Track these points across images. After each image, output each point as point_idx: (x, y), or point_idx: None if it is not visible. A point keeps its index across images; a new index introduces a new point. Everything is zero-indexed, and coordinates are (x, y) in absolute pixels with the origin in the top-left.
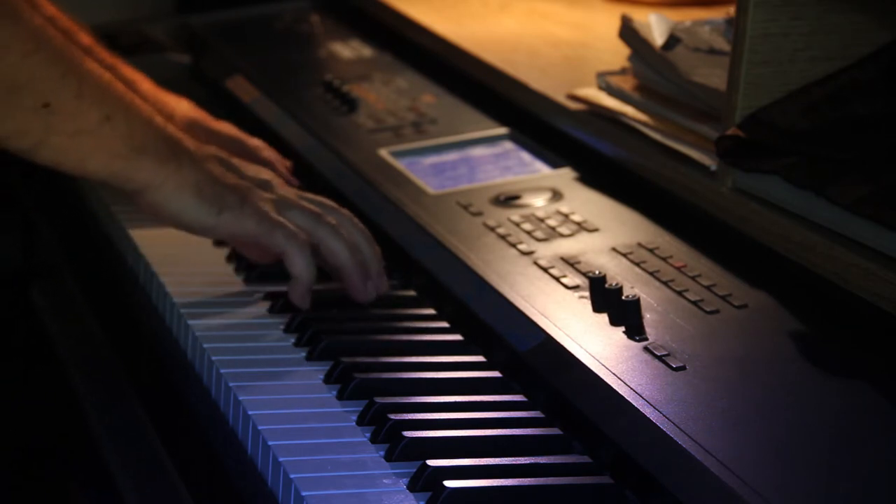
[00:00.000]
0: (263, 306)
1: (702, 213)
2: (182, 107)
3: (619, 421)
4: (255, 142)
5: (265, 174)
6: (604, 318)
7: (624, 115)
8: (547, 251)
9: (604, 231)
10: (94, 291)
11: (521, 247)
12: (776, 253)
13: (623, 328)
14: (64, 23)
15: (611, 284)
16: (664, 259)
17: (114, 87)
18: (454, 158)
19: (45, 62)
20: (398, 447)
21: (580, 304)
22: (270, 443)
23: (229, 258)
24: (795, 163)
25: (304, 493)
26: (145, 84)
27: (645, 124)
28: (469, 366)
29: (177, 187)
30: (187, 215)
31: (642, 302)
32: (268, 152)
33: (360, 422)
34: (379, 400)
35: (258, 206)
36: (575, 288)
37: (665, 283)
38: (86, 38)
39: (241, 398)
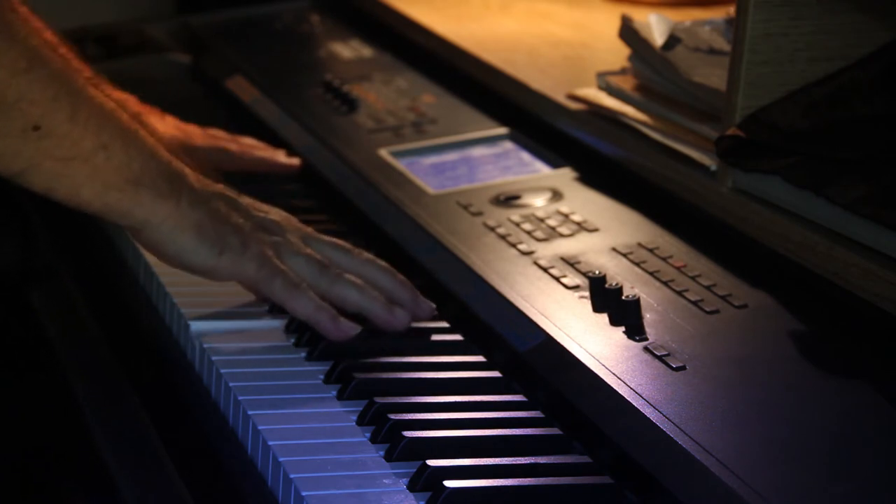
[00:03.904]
0: (264, 307)
1: (702, 213)
2: (167, 126)
3: (619, 421)
4: (247, 140)
5: (274, 215)
6: (604, 318)
7: (624, 115)
8: (547, 251)
9: (604, 231)
10: (93, 292)
11: (521, 247)
12: (776, 253)
13: (623, 328)
14: (47, 36)
15: (611, 284)
16: (664, 259)
17: (115, 115)
18: (454, 158)
19: (36, 82)
20: (398, 447)
21: (580, 304)
22: (270, 443)
23: None
24: (795, 163)
25: (304, 493)
26: (129, 105)
27: (645, 124)
28: (469, 366)
29: (176, 226)
30: (186, 256)
31: (642, 302)
32: (260, 152)
33: (360, 422)
34: (379, 400)
35: (260, 249)
36: (575, 288)
37: (665, 283)
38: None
39: (240, 398)
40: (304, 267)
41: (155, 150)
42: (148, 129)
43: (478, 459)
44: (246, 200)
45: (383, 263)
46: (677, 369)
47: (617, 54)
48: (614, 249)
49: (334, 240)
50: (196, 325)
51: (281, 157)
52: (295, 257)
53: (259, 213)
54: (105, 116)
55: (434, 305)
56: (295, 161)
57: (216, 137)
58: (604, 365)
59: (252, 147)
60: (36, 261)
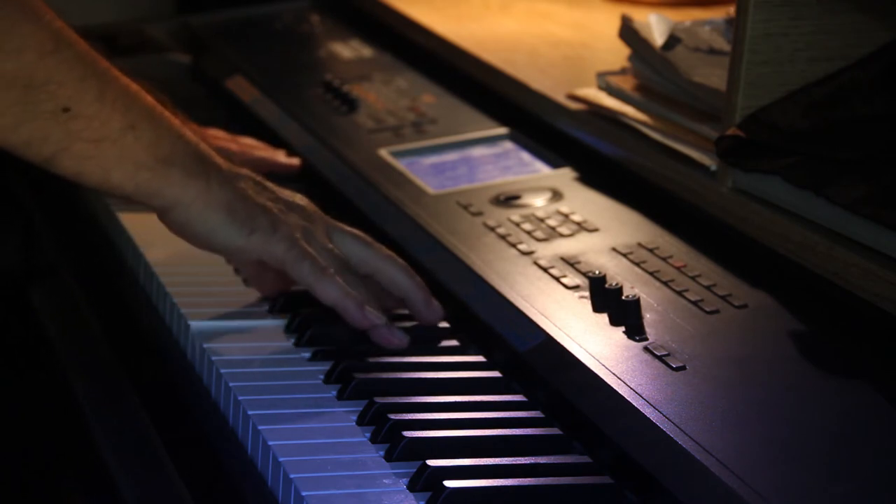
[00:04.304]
0: (263, 306)
1: (702, 213)
2: None
3: (619, 421)
4: (247, 140)
5: (299, 199)
6: (604, 318)
7: (624, 115)
8: (547, 251)
9: (604, 231)
10: (93, 292)
11: (521, 247)
12: (776, 253)
13: (623, 328)
14: None
15: (611, 284)
16: (664, 259)
17: (141, 96)
18: (454, 158)
19: (64, 63)
20: (398, 447)
21: (580, 304)
22: (270, 443)
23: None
24: (795, 163)
25: (304, 493)
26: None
27: (645, 124)
28: (469, 366)
29: (206, 205)
30: (216, 235)
31: (642, 302)
32: (260, 152)
33: (360, 422)
34: (379, 400)
35: (290, 231)
36: (575, 288)
37: (665, 283)
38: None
39: (240, 398)
40: (328, 260)
41: (181, 131)
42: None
43: (478, 459)
44: (271, 184)
45: (402, 262)
46: (677, 369)
47: (617, 54)
48: (614, 249)
49: (356, 231)
50: (196, 325)
51: (281, 157)
52: (320, 248)
53: (287, 196)
54: (131, 97)
55: (443, 311)
56: (295, 161)
57: (216, 137)
58: (604, 365)
59: (252, 147)
60: (37, 260)
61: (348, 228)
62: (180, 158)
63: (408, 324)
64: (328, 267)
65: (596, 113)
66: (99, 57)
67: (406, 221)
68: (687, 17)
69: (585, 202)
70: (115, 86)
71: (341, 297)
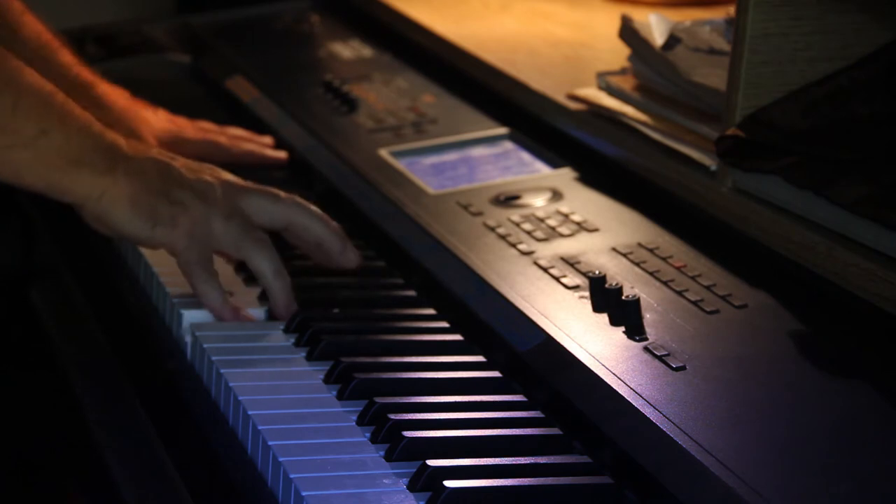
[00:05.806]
0: (263, 306)
1: (702, 213)
2: (159, 119)
3: (619, 421)
4: (234, 130)
5: (206, 174)
6: (604, 318)
7: (624, 115)
8: (547, 251)
9: (604, 231)
10: (93, 292)
11: (521, 247)
12: (776, 253)
13: (623, 328)
14: (46, 37)
15: (611, 284)
16: (664, 259)
17: (53, 99)
18: (454, 158)
19: None
20: (398, 447)
21: (580, 304)
22: (270, 443)
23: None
24: (795, 163)
25: (304, 493)
26: (121, 100)
27: (645, 124)
28: (469, 366)
29: (113, 200)
30: (124, 227)
31: (642, 302)
32: (249, 145)
33: (360, 422)
34: (379, 400)
35: (189, 227)
36: (575, 288)
37: (665, 283)
38: (67, 56)
39: (241, 398)
40: (228, 235)
41: (89, 125)
42: (115, 113)
43: (478, 459)
44: (179, 162)
45: (315, 209)
46: (677, 369)
47: (617, 54)
48: (614, 249)
49: (263, 188)
50: (196, 325)
51: (269, 151)
52: (222, 225)
53: (192, 175)
54: (44, 102)
55: (361, 256)
56: (282, 154)
57: (206, 130)
58: (604, 365)
59: (240, 139)
60: (37, 259)
61: (255, 187)
62: (89, 157)
63: (408, 324)
64: (215, 273)
65: (596, 113)
66: (12, 61)
67: (406, 221)
68: (687, 17)
69: (585, 202)
70: (27, 94)
71: (219, 306)
